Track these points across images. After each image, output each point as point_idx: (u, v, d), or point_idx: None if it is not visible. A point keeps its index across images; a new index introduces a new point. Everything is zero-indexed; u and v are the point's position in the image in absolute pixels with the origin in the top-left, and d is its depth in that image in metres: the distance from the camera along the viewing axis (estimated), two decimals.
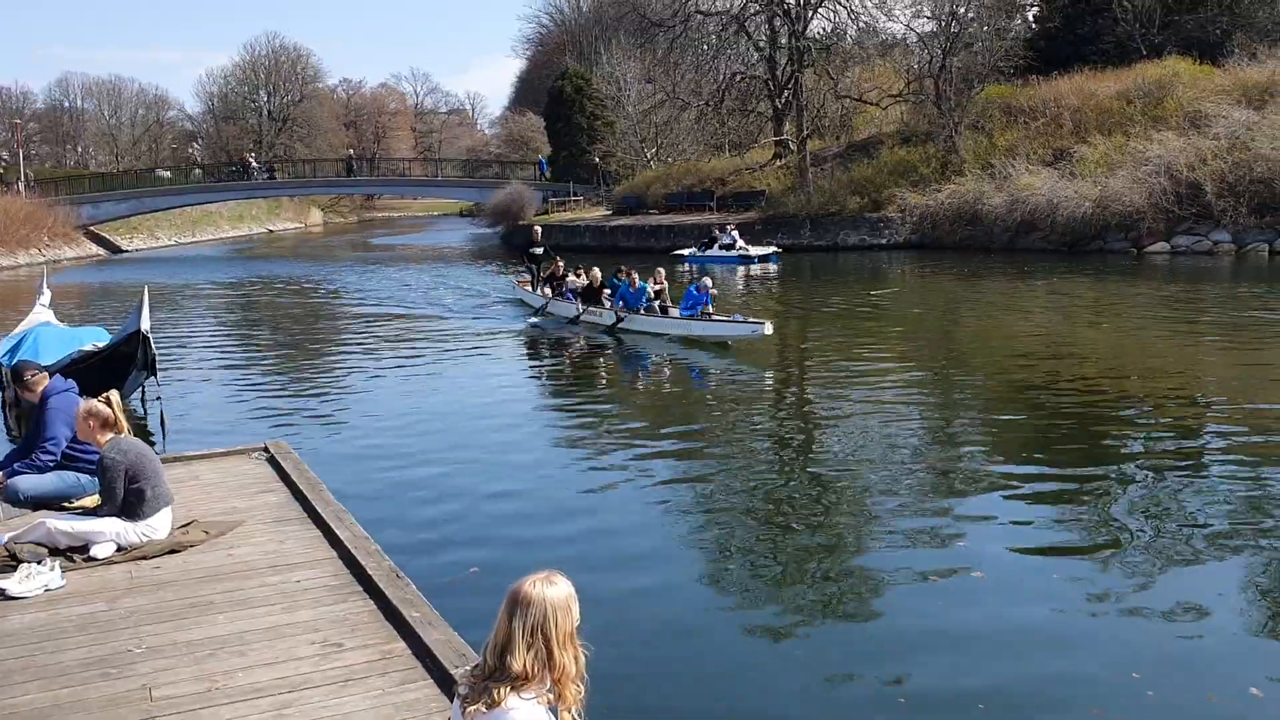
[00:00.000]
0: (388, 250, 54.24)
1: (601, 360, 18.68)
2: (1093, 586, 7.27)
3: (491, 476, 10.46)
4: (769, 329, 17.46)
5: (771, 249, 37.79)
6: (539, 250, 26.18)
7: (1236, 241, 32.60)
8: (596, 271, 22.60)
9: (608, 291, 21.62)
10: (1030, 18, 51.68)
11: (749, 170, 47.21)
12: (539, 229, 28.69)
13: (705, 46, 51.35)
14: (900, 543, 8.27)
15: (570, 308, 22.03)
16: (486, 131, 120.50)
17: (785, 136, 47.29)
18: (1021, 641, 6.50)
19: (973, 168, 38.87)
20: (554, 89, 60.48)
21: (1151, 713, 5.62)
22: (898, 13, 65.50)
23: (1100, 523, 8.72)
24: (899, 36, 49.60)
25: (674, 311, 20.11)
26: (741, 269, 34.79)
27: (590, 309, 21.37)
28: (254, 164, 66.08)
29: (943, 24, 43.08)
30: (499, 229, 55.57)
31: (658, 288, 20.92)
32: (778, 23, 46.71)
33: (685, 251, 38.86)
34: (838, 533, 8.77)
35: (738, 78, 48.69)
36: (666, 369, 17.71)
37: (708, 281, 20.03)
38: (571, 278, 23.32)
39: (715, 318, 19.06)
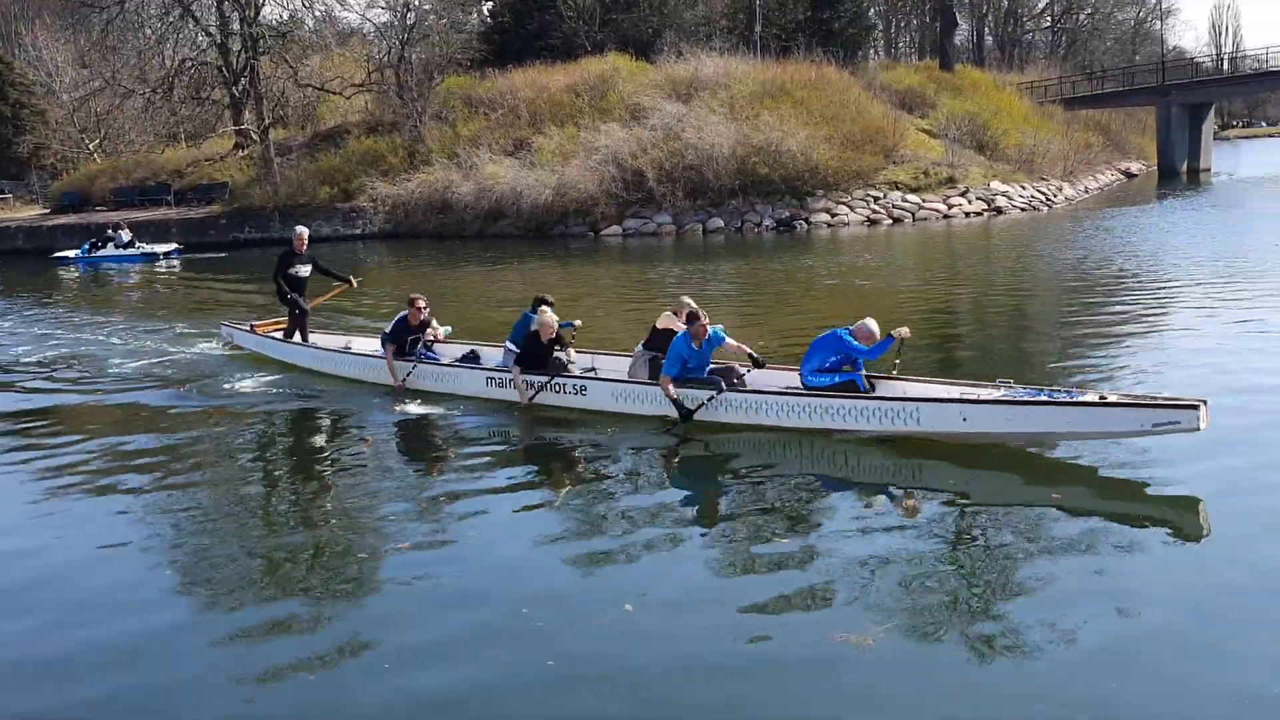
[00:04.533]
0: None
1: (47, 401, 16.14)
2: (575, 543, 7.69)
3: None
4: (1205, 420, 8.31)
5: (173, 245, 36.15)
6: (303, 270, 15.23)
7: (676, 223, 36.03)
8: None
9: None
10: (485, 12, 53.69)
11: (209, 161, 44.51)
12: (305, 232, 15.70)
13: (148, 30, 47.46)
14: (388, 544, 8.03)
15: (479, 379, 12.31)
16: None
17: (246, 126, 45.06)
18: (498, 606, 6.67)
19: (440, 157, 39.45)
20: None
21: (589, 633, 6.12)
22: (353, 2, 65.04)
23: (569, 489, 9.33)
24: (356, 26, 49.30)
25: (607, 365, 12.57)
26: (138, 268, 32.95)
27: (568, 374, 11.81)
28: None
29: (399, 16, 43.33)
30: None
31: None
32: (227, 8, 44.27)
33: (70, 253, 35.45)
34: (318, 544, 8.39)
35: (188, 64, 45.55)
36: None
37: (721, 332, 10.91)
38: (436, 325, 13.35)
39: (1083, 397, 8.89)
